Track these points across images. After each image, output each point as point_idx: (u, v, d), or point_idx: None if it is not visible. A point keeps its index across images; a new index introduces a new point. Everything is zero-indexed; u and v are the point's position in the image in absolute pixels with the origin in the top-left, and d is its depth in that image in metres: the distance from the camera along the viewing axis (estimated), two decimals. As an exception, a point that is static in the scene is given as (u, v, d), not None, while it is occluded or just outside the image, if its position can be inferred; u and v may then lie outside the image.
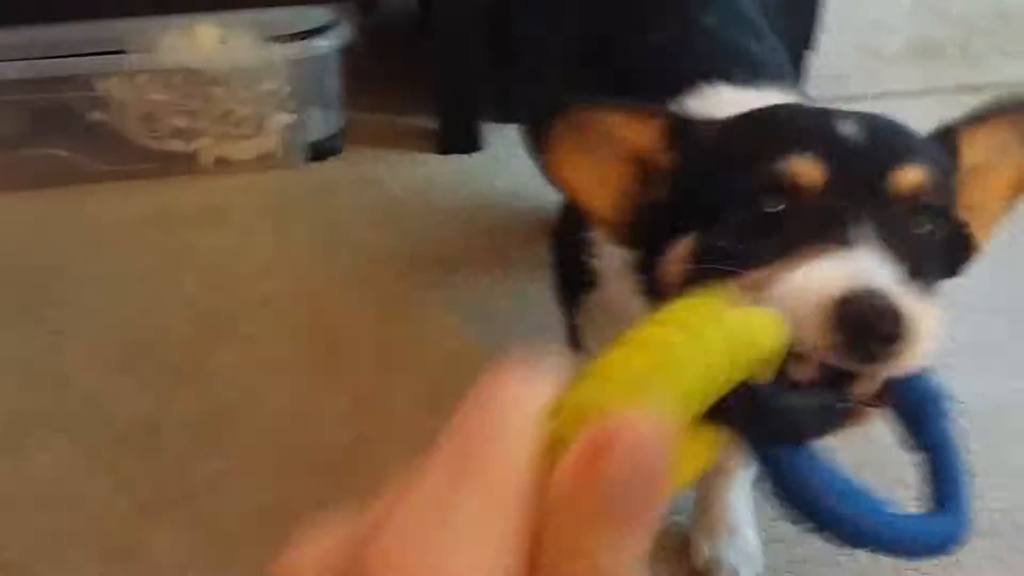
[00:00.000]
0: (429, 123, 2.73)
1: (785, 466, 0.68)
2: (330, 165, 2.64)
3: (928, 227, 0.98)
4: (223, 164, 2.60)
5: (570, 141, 1.13)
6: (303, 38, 2.52)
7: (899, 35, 3.12)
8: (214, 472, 1.77)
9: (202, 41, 2.49)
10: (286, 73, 2.52)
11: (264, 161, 2.61)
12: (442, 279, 2.17)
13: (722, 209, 1.00)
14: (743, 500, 1.61)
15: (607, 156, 1.14)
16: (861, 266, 0.89)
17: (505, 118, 2.73)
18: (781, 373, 0.76)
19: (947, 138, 1.09)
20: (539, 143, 1.13)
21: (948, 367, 1.88)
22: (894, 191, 0.97)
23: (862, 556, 1.58)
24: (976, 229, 1.10)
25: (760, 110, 1.13)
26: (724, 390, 0.56)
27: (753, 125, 1.10)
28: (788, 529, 1.62)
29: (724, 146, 1.08)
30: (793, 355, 0.85)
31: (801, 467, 0.68)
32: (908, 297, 0.88)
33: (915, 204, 0.97)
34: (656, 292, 1.11)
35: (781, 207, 0.96)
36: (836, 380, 0.87)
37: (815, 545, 1.60)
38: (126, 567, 1.62)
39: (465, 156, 2.65)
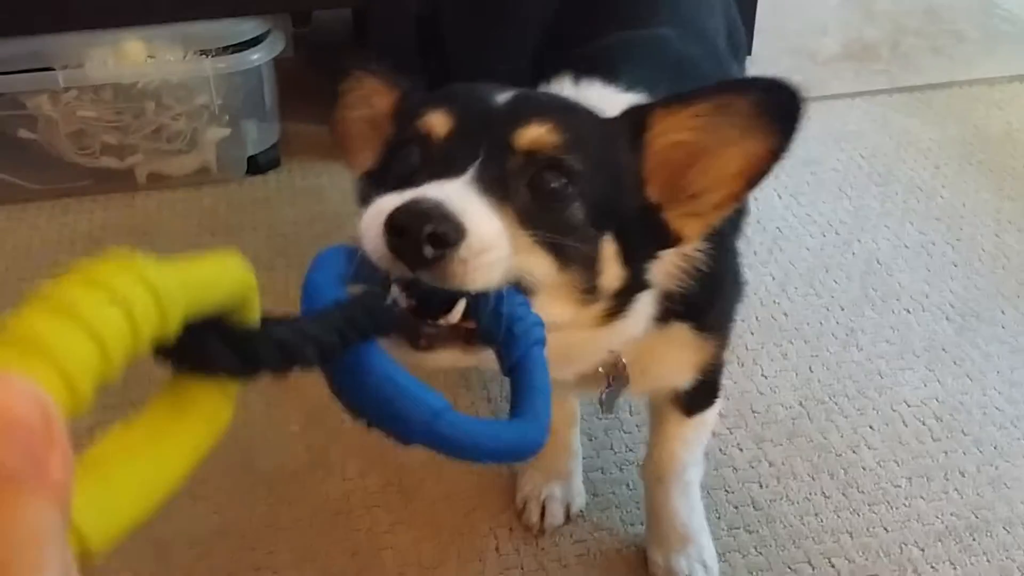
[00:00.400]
0: (368, 134, 2.69)
1: (359, 376, 0.72)
2: (269, 178, 2.60)
3: (557, 184, 1.00)
4: (158, 180, 2.55)
5: (347, 96, 1.22)
6: (235, 51, 2.47)
7: (832, 37, 3.15)
8: (160, 499, 1.72)
9: (130, 56, 2.43)
10: (218, 86, 2.47)
11: (200, 176, 2.56)
12: (389, 294, 2.13)
13: (389, 164, 1.07)
14: (695, 508, 1.60)
15: (366, 117, 1.22)
16: (436, 188, 0.91)
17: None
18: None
19: (634, 116, 1.11)
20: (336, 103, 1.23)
21: (901, 370, 1.91)
22: (515, 143, 1.00)
23: (819, 564, 1.58)
24: (697, 216, 1.10)
25: (451, 86, 1.16)
26: (165, 333, 0.55)
27: (430, 96, 1.12)
28: (747, 538, 1.62)
29: (404, 117, 1.13)
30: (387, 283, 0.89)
31: (378, 377, 0.72)
32: (476, 213, 0.90)
33: (539, 158, 1.00)
34: None
35: (416, 159, 1.02)
36: (426, 312, 0.90)
37: (774, 554, 1.60)
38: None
39: (406, 167, 2.61)
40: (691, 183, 1.10)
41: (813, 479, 1.73)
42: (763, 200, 2.43)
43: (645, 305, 1.18)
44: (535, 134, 1.01)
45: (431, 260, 0.85)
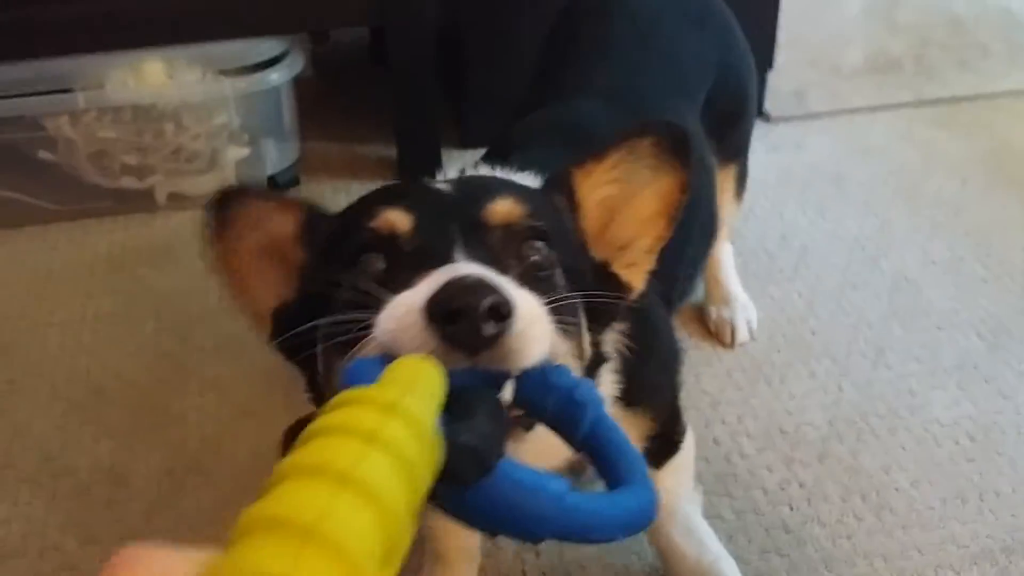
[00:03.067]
0: (388, 151, 2.69)
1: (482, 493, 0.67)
2: (288, 198, 2.58)
3: (538, 254, 0.98)
4: (178, 200, 2.54)
5: (230, 227, 1.09)
6: (254, 71, 2.46)
7: (855, 48, 3.12)
8: (183, 523, 1.71)
9: (150, 77, 2.42)
10: (237, 106, 2.46)
11: (220, 196, 2.55)
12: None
13: (338, 282, 0.97)
14: (703, 542, 1.54)
15: (256, 246, 1.10)
16: (456, 267, 0.86)
17: (465, 143, 2.70)
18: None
19: (559, 181, 1.11)
20: (207, 232, 1.09)
21: (932, 389, 1.87)
22: (490, 220, 0.97)
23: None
24: (633, 265, 1.12)
25: (368, 193, 1.11)
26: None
27: (357, 204, 1.07)
28: (778, 562, 1.59)
29: (336, 230, 1.05)
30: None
31: (500, 485, 0.67)
32: (510, 285, 0.84)
33: (516, 229, 0.97)
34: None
35: (381, 264, 0.95)
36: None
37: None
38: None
39: (426, 184, 2.60)
40: (617, 235, 1.12)
41: (844, 501, 1.69)
42: (788, 217, 2.40)
43: (607, 381, 1.17)
44: (505, 207, 0.98)
45: (491, 339, 0.79)
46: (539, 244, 0.98)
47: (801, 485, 1.73)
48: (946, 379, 1.93)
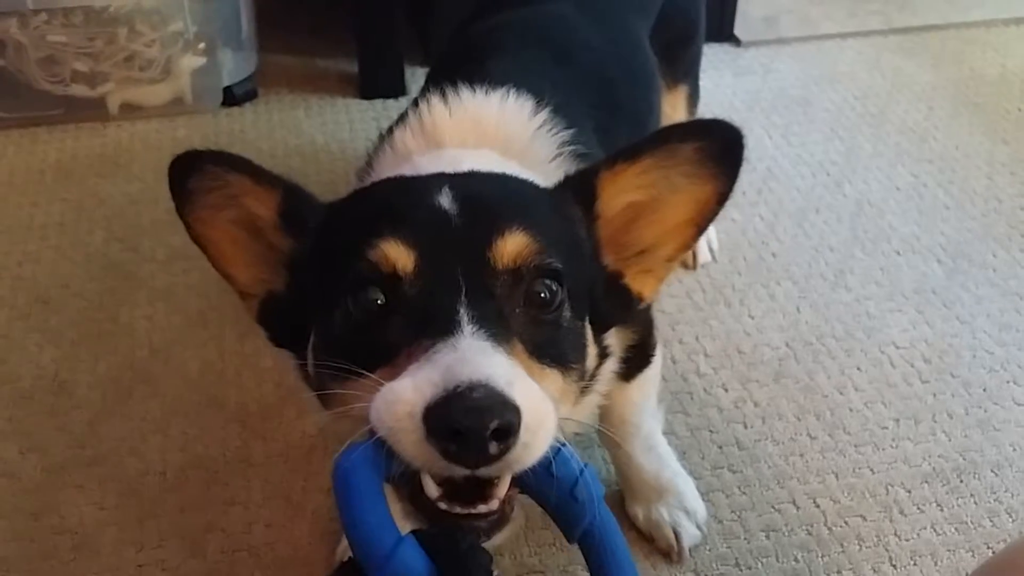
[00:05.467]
0: (350, 67, 2.63)
1: None
2: (245, 110, 2.53)
3: (547, 292, 0.94)
4: (131, 110, 2.47)
5: (205, 196, 1.04)
6: (212, -24, 2.39)
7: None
8: (128, 431, 1.68)
9: (104, -22, 2.35)
10: (193, 12, 2.39)
11: (174, 106, 2.48)
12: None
13: (332, 301, 0.94)
14: (663, 458, 1.53)
15: (234, 220, 1.05)
16: (457, 361, 0.82)
17: (429, 62, 2.64)
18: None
19: (581, 185, 1.04)
20: (175, 194, 1.04)
21: (890, 312, 1.87)
22: (497, 263, 0.92)
23: (804, 504, 1.55)
24: (648, 272, 1.07)
25: (364, 190, 1.06)
26: None
27: (353, 209, 1.03)
28: (731, 478, 1.59)
29: (329, 233, 1.01)
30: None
31: None
32: (517, 381, 0.81)
33: (524, 271, 0.92)
34: (314, 388, 1.04)
35: (380, 299, 0.91)
36: (471, 491, 0.84)
37: (758, 494, 1.56)
38: (38, 532, 1.52)
39: (389, 100, 2.55)
40: (638, 239, 1.06)
41: (799, 420, 1.69)
42: (753, 140, 2.35)
43: (608, 372, 1.14)
44: (514, 247, 0.92)
45: (494, 456, 0.78)
46: (548, 282, 0.94)
47: (756, 404, 1.72)
48: (904, 303, 1.93)
